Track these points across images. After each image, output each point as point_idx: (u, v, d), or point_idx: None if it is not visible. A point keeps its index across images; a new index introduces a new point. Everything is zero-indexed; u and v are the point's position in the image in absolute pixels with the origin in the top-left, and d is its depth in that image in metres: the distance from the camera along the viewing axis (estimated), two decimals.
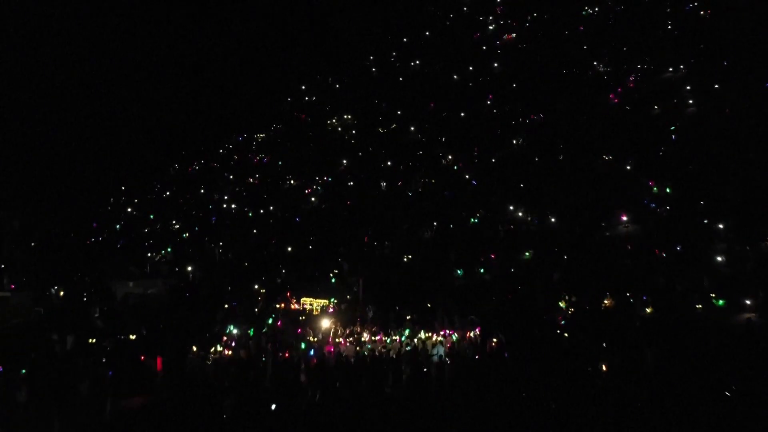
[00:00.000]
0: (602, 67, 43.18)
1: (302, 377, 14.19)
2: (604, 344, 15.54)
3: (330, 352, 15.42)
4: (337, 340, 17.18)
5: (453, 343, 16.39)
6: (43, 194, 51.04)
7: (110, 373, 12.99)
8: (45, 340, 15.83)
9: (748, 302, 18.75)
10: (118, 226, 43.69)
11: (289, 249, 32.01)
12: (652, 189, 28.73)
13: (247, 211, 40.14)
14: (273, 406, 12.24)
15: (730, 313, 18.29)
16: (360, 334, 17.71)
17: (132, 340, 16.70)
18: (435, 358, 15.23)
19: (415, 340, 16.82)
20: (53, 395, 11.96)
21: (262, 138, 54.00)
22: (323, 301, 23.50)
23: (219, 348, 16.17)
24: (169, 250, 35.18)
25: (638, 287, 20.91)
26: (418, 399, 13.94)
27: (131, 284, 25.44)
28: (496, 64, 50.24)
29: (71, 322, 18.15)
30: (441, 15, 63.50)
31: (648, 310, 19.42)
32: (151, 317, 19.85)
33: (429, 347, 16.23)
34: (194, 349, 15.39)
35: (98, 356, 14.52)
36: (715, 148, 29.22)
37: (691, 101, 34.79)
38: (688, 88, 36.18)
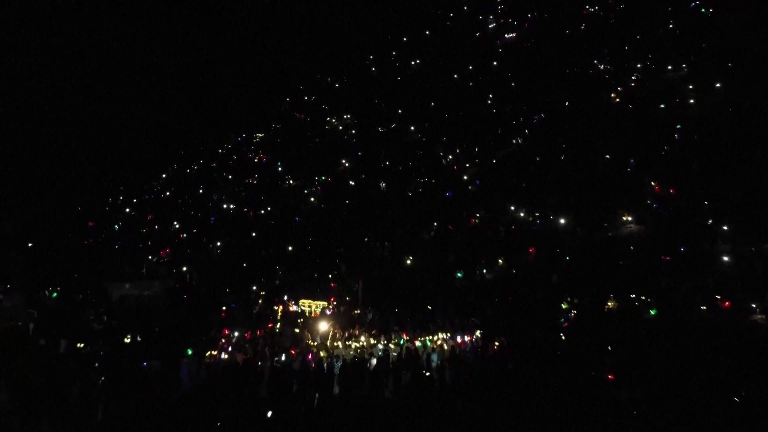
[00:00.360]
0: (603, 66, 42.85)
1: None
2: (609, 347, 15.21)
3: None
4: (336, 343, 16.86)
5: (453, 347, 16.07)
6: (41, 194, 50.70)
7: (102, 378, 12.70)
8: (34, 343, 15.50)
9: (753, 305, 18.48)
10: (116, 227, 43.36)
11: (290, 249, 31.70)
12: (654, 189, 28.42)
13: (247, 212, 39.85)
14: (269, 414, 11.93)
15: (736, 316, 18.01)
16: (358, 337, 17.39)
17: (126, 343, 16.39)
18: (434, 364, 14.94)
19: (416, 344, 16.52)
20: (40, 400, 11.65)
21: (261, 138, 53.71)
22: (322, 303, 23.18)
23: (214, 352, 15.84)
24: (167, 250, 34.89)
25: (642, 288, 20.66)
26: (418, 404, 13.68)
27: (127, 286, 25.09)
28: (495, 63, 49.93)
29: (64, 325, 17.83)
30: (441, 14, 63.21)
31: (652, 312, 19.14)
32: (147, 320, 19.53)
33: (429, 351, 15.95)
34: (189, 353, 15.05)
35: (91, 361, 14.18)
36: (717, 148, 28.92)
37: (692, 101, 34.43)
38: (691, 87, 35.87)
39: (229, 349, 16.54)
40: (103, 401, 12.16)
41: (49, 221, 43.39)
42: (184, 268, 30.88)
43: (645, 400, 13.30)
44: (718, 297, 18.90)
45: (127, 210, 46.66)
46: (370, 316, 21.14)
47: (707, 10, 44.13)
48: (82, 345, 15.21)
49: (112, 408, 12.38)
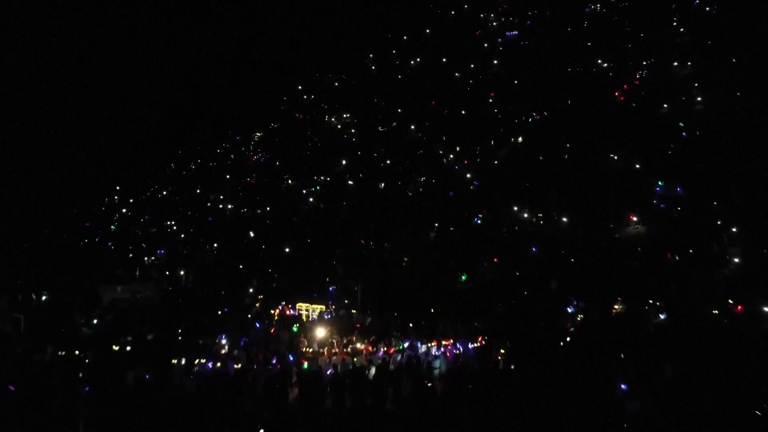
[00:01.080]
0: (606, 65, 42.19)
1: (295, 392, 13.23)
2: (621, 355, 14.54)
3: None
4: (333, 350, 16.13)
5: (457, 354, 15.38)
6: (37, 194, 50.22)
7: (86, 389, 11.99)
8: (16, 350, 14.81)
9: (766, 309, 17.78)
10: (113, 227, 42.78)
11: (287, 250, 31.05)
12: (660, 189, 27.75)
13: (246, 212, 39.28)
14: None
15: (749, 320, 17.34)
16: (356, 344, 16.65)
17: (115, 351, 15.65)
18: (436, 372, 14.24)
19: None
20: (20, 409, 10.99)
21: (259, 137, 53.15)
22: (320, 307, 22.46)
23: (203, 360, 15.07)
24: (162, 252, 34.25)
25: (650, 292, 20.00)
26: (420, 415, 13.04)
27: (119, 289, 24.33)
28: (496, 62, 49.28)
29: (52, 331, 17.11)
30: (441, 13, 62.61)
31: (661, 317, 18.48)
32: (139, 325, 18.79)
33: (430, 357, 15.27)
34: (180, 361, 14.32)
35: (75, 369, 13.42)
36: (721, 147, 28.26)
37: (699, 98, 33.77)
38: (696, 85, 35.21)
39: (223, 354, 15.89)
40: (86, 414, 11.44)
41: (45, 222, 42.86)
42: (182, 272, 30.23)
43: (660, 413, 12.73)
44: (731, 301, 18.20)
45: (124, 210, 46.05)
46: (369, 320, 20.44)
47: (712, 7, 43.48)
48: (64, 353, 14.44)
49: (95, 420, 11.66)
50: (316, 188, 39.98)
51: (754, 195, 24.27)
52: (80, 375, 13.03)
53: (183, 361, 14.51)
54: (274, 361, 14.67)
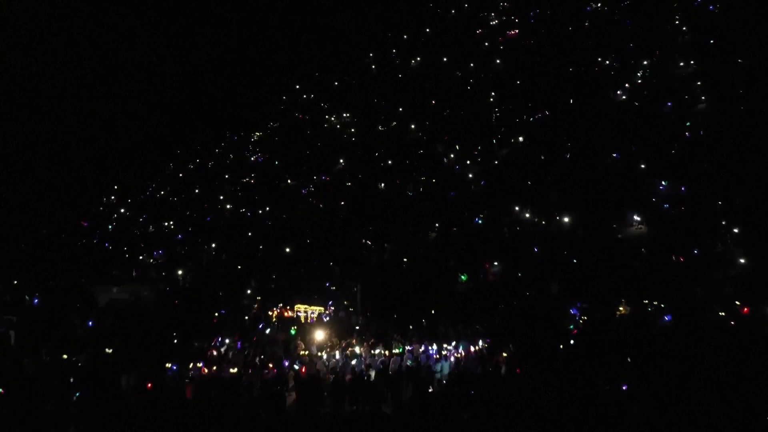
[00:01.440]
0: (608, 63, 41.94)
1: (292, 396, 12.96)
2: (628, 359, 14.30)
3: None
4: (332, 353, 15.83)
5: (458, 358, 15.10)
6: (36, 194, 49.91)
7: (78, 394, 11.71)
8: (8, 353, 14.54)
9: None
10: (110, 227, 42.53)
11: (287, 251, 30.81)
12: (664, 188, 27.51)
13: (245, 212, 39.05)
14: None
15: (756, 323, 17.09)
16: (354, 347, 16.35)
17: (109, 354, 15.34)
18: (437, 376, 13.97)
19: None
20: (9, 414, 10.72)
21: (258, 137, 52.89)
22: (319, 309, 22.19)
23: (200, 364, 14.78)
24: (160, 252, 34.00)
25: (654, 293, 19.77)
26: (420, 418, 12.79)
27: (115, 290, 24.02)
28: (497, 61, 49.02)
29: (46, 332, 16.82)
30: (441, 12, 62.35)
31: (666, 318, 18.23)
32: (134, 327, 18.48)
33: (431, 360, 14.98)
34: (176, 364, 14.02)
35: (67, 373, 13.13)
36: (721, 147, 28.04)
37: (703, 98, 33.53)
38: (699, 83, 34.96)
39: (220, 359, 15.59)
40: (78, 418, 11.17)
41: (43, 222, 42.61)
42: (180, 272, 29.98)
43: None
44: (738, 303, 17.95)
45: (122, 210, 45.78)
46: (369, 322, 20.15)
47: (714, 6, 43.23)
48: (58, 355, 14.14)
49: (88, 424, 11.38)
50: (315, 188, 39.74)
51: (755, 195, 24.10)
52: (73, 379, 12.76)
53: (179, 365, 14.21)
54: (270, 365, 14.39)
